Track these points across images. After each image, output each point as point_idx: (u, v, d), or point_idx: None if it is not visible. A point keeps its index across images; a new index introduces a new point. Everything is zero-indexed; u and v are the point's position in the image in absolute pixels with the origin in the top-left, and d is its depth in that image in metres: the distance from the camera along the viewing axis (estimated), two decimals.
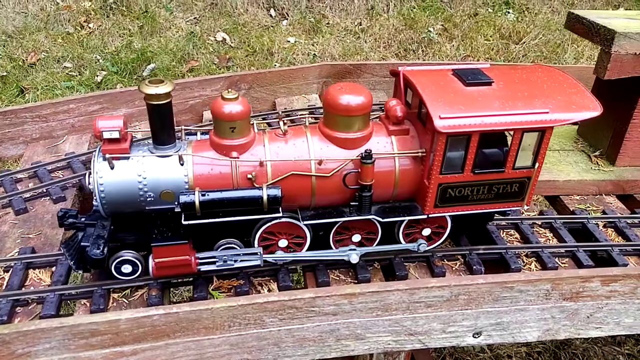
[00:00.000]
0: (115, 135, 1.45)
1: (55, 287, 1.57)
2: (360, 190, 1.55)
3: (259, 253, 1.58)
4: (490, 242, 1.83)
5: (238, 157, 1.52)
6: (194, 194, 1.44)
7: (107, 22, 5.75)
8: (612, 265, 1.79)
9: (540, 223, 1.97)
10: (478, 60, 6.18)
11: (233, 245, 1.60)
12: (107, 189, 1.48)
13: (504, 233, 1.92)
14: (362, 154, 1.51)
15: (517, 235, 1.93)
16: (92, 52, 5.35)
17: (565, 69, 1.84)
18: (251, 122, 1.58)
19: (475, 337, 1.57)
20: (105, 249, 1.47)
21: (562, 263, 1.85)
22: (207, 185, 1.49)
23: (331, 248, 1.68)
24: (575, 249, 1.86)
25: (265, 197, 1.46)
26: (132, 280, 1.60)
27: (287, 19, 6.91)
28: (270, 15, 6.88)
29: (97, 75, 5.07)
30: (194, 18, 6.31)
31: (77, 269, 1.56)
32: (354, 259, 1.66)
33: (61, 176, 2.12)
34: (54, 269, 1.66)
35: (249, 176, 1.51)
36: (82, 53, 5.27)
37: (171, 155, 1.51)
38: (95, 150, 1.53)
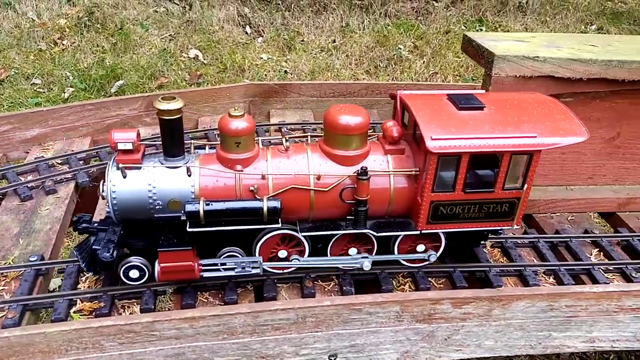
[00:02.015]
0: (129, 146, 1.54)
1: None
2: (356, 205, 1.62)
3: (259, 261, 1.65)
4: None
5: (242, 171, 1.60)
6: (199, 204, 1.52)
7: (81, 39, 5.82)
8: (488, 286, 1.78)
9: None
10: (446, 77, 6.20)
11: (235, 253, 1.67)
12: (119, 197, 1.56)
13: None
14: (358, 170, 1.58)
15: None
16: (63, 68, 5.40)
17: None
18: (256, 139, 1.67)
19: None
20: (115, 253, 1.54)
21: (438, 284, 1.84)
22: (212, 195, 1.57)
23: None
24: (452, 269, 1.85)
25: (265, 209, 1.54)
26: (138, 285, 1.68)
27: (262, 36, 6.96)
28: (246, 32, 6.94)
29: (65, 92, 5.13)
30: (169, 35, 6.38)
31: (88, 270, 1.63)
32: (367, 266, 1.72)
33: None
34: None
35: (251, 188, 1.59)
36: (52, 70, 5.33)
37: (180, 167, 1.59)
38: (109, 160, 1.61)
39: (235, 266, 1.64)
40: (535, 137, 1.54)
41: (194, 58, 6.18)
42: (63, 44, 5.83)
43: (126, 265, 1.63)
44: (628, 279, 1.91)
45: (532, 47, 2.02)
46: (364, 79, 6.24)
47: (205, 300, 1.69)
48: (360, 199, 1.60)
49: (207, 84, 5.82)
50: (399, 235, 1.71)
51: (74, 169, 2.20)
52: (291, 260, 1.70)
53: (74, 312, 1.61)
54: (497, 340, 1.64)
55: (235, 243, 1.66)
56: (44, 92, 5.06)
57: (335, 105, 1.66)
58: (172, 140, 1.58)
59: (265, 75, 6.12)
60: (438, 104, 1.63)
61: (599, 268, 1.92)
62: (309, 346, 1.54)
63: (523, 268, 1.89)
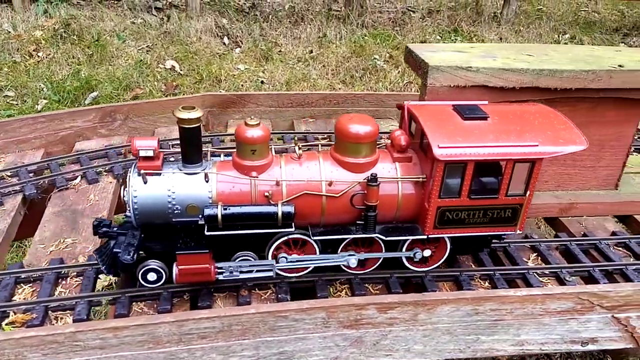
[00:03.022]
0: (150, 153, 1.60)
1: None
2: (366, 210, 1.68)
3: (272, 264, 1.71)
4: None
5: (257, 177, 1.66)
6: (217, 208, 1.58)
7: (57, 51, 5.84)
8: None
9: None
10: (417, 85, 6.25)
11: (248, 258, 1.73)
12: (140, 201, 1.61)
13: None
14: (368, 177, 1.65)
15: None
16: (37, 80, 5.41)
17: None
18: (270, 147, 1.73)
19: None
20: (135, 256, 1.59)
21: (374, 290, 1.86)
22: (228, 200, 1.63)
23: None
24: (389, 275, 1.88)
25: (280, 213, 1.60)
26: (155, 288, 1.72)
27: (240, 47, 7.00)
28: (224, 43, 6.97)
29: (38, 104, 5.13)
30: (147, 46, 6.41)
31: (108, 273, 1.68)
32: (353, 263, 1.77)
33: None
34: None
35: (266, 194, 1.65)
36: (26, 81, 5.33)
37: (198, 173, 1.65)
38: (131, 167, 1.66)
39: (250, 269, 1.71)
40: (537, 145, 1.61)
41: (170, 69, 6.21)
42: (38, 56, 5.84)
43: (145, 268, 1.68)
44: (562, 282, 1.94)
45: (467, 58, 2.06)
46: (340, 88, 6.28)
47: (140, 310, 1.70)
48: (370, 205, 1.67)
49: (183, 94, 5.84)
50: (406, 240, 1.76)
51: (22, 181, 2.21)
52: (279, 260, 1.74)
53: (6, 324, 1.61)
54: (426, 344, 1.66)
55: (249, 247, 1.73)
56: (16, 105, 5.06)
57: (346, 115, 1.73)
58: (191, 148, 1.65)
59: (242, 85, 6.15)
60: (444, 114, 1.71)
61: (534, 272, 1.96)
62: (237, 354, 1.55)
63: (459, 273, 1.92)
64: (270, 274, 1.72)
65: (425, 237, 1.73)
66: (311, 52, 6.99)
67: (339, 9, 7.85)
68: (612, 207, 2.36)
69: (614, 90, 2.07)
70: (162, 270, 1.69)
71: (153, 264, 1.68)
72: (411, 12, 8.17)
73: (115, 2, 7.33)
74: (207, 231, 1.60)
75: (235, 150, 1.70)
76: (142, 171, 1.62)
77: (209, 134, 2.84)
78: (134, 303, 1.72)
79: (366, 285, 1.87)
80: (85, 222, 2.07)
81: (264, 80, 6.30)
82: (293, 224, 1.65)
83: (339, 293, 1.85)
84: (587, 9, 8.94)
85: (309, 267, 1.80)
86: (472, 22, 7.84)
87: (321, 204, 1.68)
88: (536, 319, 1.69)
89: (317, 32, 7.43)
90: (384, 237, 1.72)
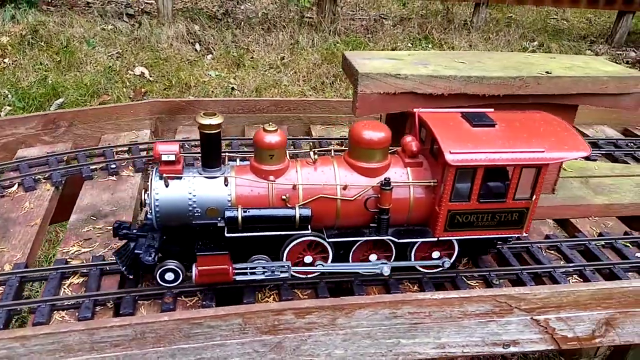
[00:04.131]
0: (172, 158, 1.66)
1: None
2: (379, 213, 1.73)
3: (288, 266, 1.76)
4: None
5: (274, 181, 1.71)
6: (237, 210, 1.63)
7: (23, 57, 5.78)
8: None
9: None
10: None
11: (263, 260, 1.77)
12: (162, 204, 1.67)
13: None
14: (382, 181, 1.71)
15: None
16: (2, 87, 5.35)
17: None
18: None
19: None
20: (156, 257, 1.65)
21: (303, 295, 1.86)
22: (247, 203, 1.68)
23: None
24: (318, 280, 1.88)
25: (297, 216, 1.66)
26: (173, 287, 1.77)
27: (212, 54, 6.99)
28: (195, 50, 6.96)
29: (2, 111, 5.07)
30: (117, 53, 6.38)
31: (129, 274, 1.73)
32: (386, 271, 1.82)
33: None
34: None
35: (283, 197, 1.70)
36: None
37: (217, 177, 1.71)
38: (152, 170, 1.71)
39: (266, 270, 1.75)
40: (543, 151, 1.67)
41: (139, 75, 6.18)
42: (4, 62, 5.78)
43: (163, 268, 1.72)
44: (489, 285, 1.95)
45: (399, 65, 2.08)
46: (310, 95, 6.30)
47: (61, 319, 1.68)
48: (383, 208, 1.72)
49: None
50: (416, 243, 1.82)
51: None
52: (316, 266, 1.80)
53: None
54: (347, 349, 1.67)
55: (263, 250, 1.77)
56: None
57: (360, 122, 1.78)
58: (211, 153, 1.70)
59: (212, 91, 6.14)
60: (453, 121, 1.78)
61: (462, 276, 1.97)
62: None
63: (389, 279, 1.93)
64: (286, 275, 1.77)
65: (435, 239, 1.79)
66: (283, 58, 7.00)
67: (312, 16, 7.89)
68: (548, 211, 2.39)
69: (543, 97, 2.10)
70: (179, 270, 1.74)
71: (171, 264, 1.73)
72: (383, 20, 8.24)
73: (86, 8, 7.29)
74: (227, 233, 1.64)
75: (252, 155, 1.76)
76: (164, 175, 1.66)
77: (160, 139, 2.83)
78: (54, 312, 1.70)
79: (295, 290, 1.87)
80: (16, 230, 2.04)
81: (235, 87, 6.30)
82: (309, 226, 1.70)
83: (266, 299, 1.84)
84: (556, 17, 9.08)
85: (319, 270, 1.85)
86: (442, 30, 7.91)
87: (336, 207, 1.74)
88: (456, 321, 1.70)
89: (290, 39, 7.45)
90: (396, 240, 1.77)
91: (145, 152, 2.62)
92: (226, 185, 1.70)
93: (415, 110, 1.86)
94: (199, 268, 1.68)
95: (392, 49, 7.43)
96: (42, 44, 6.17)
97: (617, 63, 8.21)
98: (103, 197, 2.27)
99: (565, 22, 9.05)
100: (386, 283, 1.92)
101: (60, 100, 5.46)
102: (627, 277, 2.04)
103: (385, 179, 1.70)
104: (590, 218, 2.42)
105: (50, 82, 5.67)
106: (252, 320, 1.55)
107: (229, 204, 1.69)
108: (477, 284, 1.98)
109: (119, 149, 2.60)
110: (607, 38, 8.09)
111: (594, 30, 8.66)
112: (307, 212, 1.67)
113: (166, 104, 2.87)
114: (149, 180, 1.70)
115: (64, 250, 1.97)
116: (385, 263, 1.83)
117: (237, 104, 2.95)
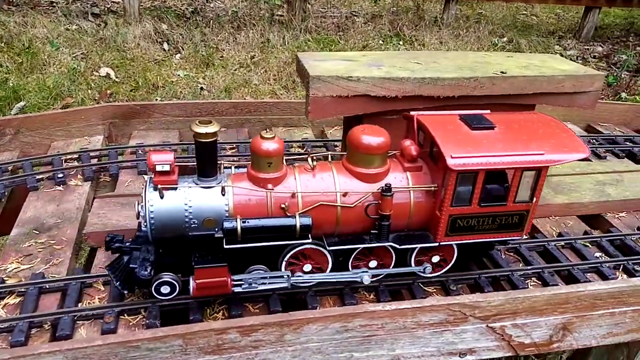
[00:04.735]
0: (167, 168, 1.59)
1: None
2: (380, 219, 1.69)
3: (286, 276, 1.70)
4: None
5: (273, 189, 1.65)
6: (236, 221, 1.56)
7: None
8: None
9: None
10: None
11: (261, 270, 1.71)
12: (157, 216, 1.60)
13: None
14: (382, 187, 1.65)
15: None
16: None
17: None
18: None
19: None
20: (152, 271, 1.59)
21: (254, 308, 1.78)
22: (245, 213, 1.62)
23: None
24: (270, 293, 1.80)
25: (298, 225, 1.60)
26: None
27: (180, 53, 6.84)
28: (164, 49, 6.79)
29: None
30: (81, 53, 6.18)
31: (123, 289, 1.66)
32: (366, 280, 1.78)
33: None
34: None
35: (283, 206, 1.64)
36: None
37: (214, 187, 1.64)
38: (146, 181, 1.64)
39: (265, 280, 1.69)
40: (544, 154, 1.64)
41: (105, 76, 6.00)
42: None
43: (159, 281, 1.65)
44: (447, 291, 1.90)
45: (352, 67, 2.00)
46: (281, 94, 6.20)
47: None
48: (384, 214, 1.67)
49: (119, 102, 5.65)
50: (415, 249, 1.78)
51: None
52: (294, 276, 1.73)
53: None
54: None
55: (261, 260, 1.71)
56: None
57: (359, 126, 1.73)
58: (208, 162, 1.63)
59: (180, 92, 5.99)
60: (453, 125, 1.73)
61: (418, 282, 1.91)
62: None
63: (344, 288, 1.86)
64: (286, 284, 1.71)
65: (437, 244, 1.75)
66: (253, 57, 6.88)
67: (282, 14, 7.77)
68: None
69: (498, 97, 2.05)
70: (175, 283, 1.67)
71: (166, 277, 1.66)
72: (355, 17, 8.16)
73: (49, 8, 7.06)
74: (226, 244, 1.58)
75: (249, 163, 1.70)
76: (159, 186, 1.60)
77: (114, 145, 2.71)
78: None
79: (245, 304, 1.79)
80: None
81: (204, 87, 6.17)
82: (310, 235, 1.64)
83: (215, 315, 1.76)
84: (525, 13, 9.12)
85: (316, 280, 1.79)
86: (413, 27, 7.88)
87: (336, 214, 1.69)
88: (410, 332, 1.64)
89: (260, 37, 7.32)
90: (397, 246, 1.73)
91: (96, 159, 2.51)
92: (223, 194, 1.64)
93: (413, 113, 1.81)
94: (197, 281, 1.62)
95: (364, 47, 7.37)
96: (2, 45, 5.94)
97: (584, 57, 8.23)
98: (48, 208, 2.15)
99: (534, 18, 9.10)
100: (341, 293, 1.85)
101: (22, 103, 5.26)
102: (586, 278, 2.00)
103: (386, 185, 1.66)
104: (550, 217, 2.38)
105: (11, 84, 5.46)
106: (194, 341, 1.47)
107: (227, 214, 1.63)
108: (434, 290, 1.92)
109: (68, 156, 2.47)
110: (575, 33, 8.15)
111: (563, 26, 8.73)
112: (307, 221, 1.62)
113: (119, 108, 2.75)
114: (143, 192, 1.63)
115: (1, 268, 1.85)
116: (366, 271, 1.78)
117: (193, 107, 2.85)
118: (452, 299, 1.64)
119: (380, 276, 1.86)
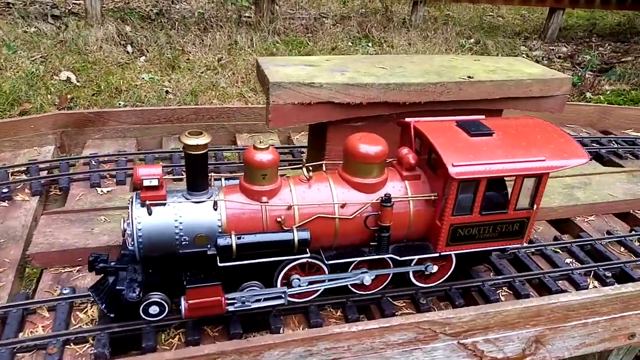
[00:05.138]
0: (155, 182, 1.49)
1: None
2: (379, 231, 1.62)
3: (284, 293, 1.62)
4: None
5: (267, 202, 1.57)
6: (230, 238, 1.48)
7: None
8: None
9: None
10: None
11: (255, 287, 1.63)
12: (145, 233, 1.50)
13: None
14: (382, 197, 1.59)
15: None
16: None
17: None
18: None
19: None
20: (141, 292, 1.49)
21: (213, 332, 1.66)
22: (239, 228, 1.54)
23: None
24: (231, 314, 1.68)
25: (296, 240, 1.53)
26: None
27: (145, 56, 6.62)
28: (127, 52, 6.58)
29: None
30: (41, 57, 5.92)
31: (109, 312, 1.54)
32: (367, 280, 1.71)
33: None
34: None
35: (278, 219, 1.56)
36: None
37: (205, 201, 1.55)
38: (132, 198, 1.53)
39: (260, 298, 1.61)
40: (544, 160, 1.60)
41: (65, 81, 5.75)
42: None
43: (147, 302, 1.55)
44: (416, 305, 1.82)
45: (314, 73, 1.90)
46: (250, 97, 6.05)
47: None
48: (383, 225, 1.61)
49: (81, 107, 5.42)
50: (414, 259, 1.73)
51: None
52: (292, 283, 1.65)
53: None
54: None
55: (255, 276, 1.63)
56: None
57: (356, 134, 1.66)
58: (198, 175, 1.54)
59: (145, 96, 5.79)
60: (451, 131, 1.68)
61: (387, 297, 1.82)
62: None
63: (309, 306, 1.75)
64: (282, 301, 1.63)
65: (437, 254, 1.69)
66: (220, 59, 6.72)
67: (250, 16, 7.62)
68: None
69: (465, 102, 1.98)
70: (164, 303, 1.57)
71: (155, 296, 1.56)
72: (323, 19, 8.07)
73: (6, 9, 6.75)
74: (220, 262, 1.49)
75: (242, 174, 1.62)
76: (147, 202, 1.49)
77: (65, 156, 2.54)
78: None
79: (204, 327, 1.67)
80: None
81: (169, 90, 5.98)
82: (308, 249, 1.58)
83: (171, 340, 1.63)
84: (492, 14, 9.20)
85: (319, 291, 1.72)
86: (382, 28, 7.84)
87: (334, 226, 1.62)
88: (378, 352, 1.54)
89: (227, 39, 7.16)
90: (398, 257, 1.67)
91: (46, 171, 2.34)
92: (215, 209, 1.55)
93: (408, 120, 1.74)
94: (190, 302, 1.51)
95: (333, 49, 7.29)
96: None
97: (549, 58, 8.33)
98: None
99: (500, 19, 9.18)
100: (306, 311, 1.74)
101: None
102: (558, 286, 1.95)
103: (385, 195, 1.59)
104: None
105: None
106: None
107: (220, 230, 1.54)
108: (403, 304, 1.83)
109: (16, 169, 2.30)
110: (540, 34, 8.26)
111: (528, 27, 8.83)
112: (305, 235, 1.54)
113: (71, 116, 2.59)
114: (129, 208, 1.52)
115: None
116: (366, 272, 1.71)
117: (151, 114, 2.70)
118: (421, 317, 1.56)
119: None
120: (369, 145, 1.61)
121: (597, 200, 2.42)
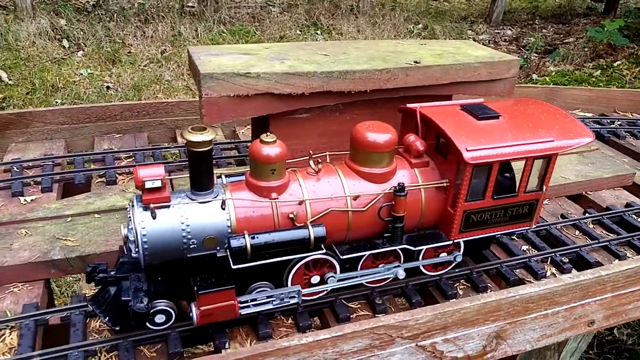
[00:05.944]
0: (158, 184, 1.38)
1: None
2: (393, 221, 1.57)
3: (298, 291, 1.55)
4: None
5: (277, 198, 1.48)
6: (244, 238, 1.41)
7: None
8: None
9: None
10: None
11: (266, 288, 1.55)
12: (150, 239, 1.39)
13: None
14: (395, 187, 1.53)
15: None
16: None
17: None
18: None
19: None
20: (149, 302, 1.40)
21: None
22: (249, 227, 1.45)
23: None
24: (169, 332, 1.51)
25: (312, 236, 1.46)
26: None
27: (82, 50, 6.22)
28: (63, 47, 6.16)
29: None
30: None
31: (114, 325, 1.43)
32: (401, 274, 1.68)
33: None
34: None
35: (291, 215, 1.48)
36: None
37: (211, 201, 1.45)
38: (132, 201, 1.42)
39: (274, 299, 1.53)
40: (553, 140, 1.57)
41: None
42: None
43: (152, 310, 1.45)
44: (372, 305, 1.70)
45: (251, 62, 1.73)
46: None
47: None
48: (397, 216, 1.55)
49: (13, 107, 5.02)
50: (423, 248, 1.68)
51: None
52: (327, 280, 1.59)
53: None
54: None
55: (265, 276, 1.55)
56: None
57: (362, 123, 1.58)
58: (203, 174, 1.43)
59: (84, 92, 5.43)
60: (458, 116, 1.63)
61: (342, 299, 1.70)
62: None
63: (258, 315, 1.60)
64: (296, 300, 1.55)
65: (451, 242, 1.64)
66: (164, 51, 6.40)
67: (193, 5, 7.30)
68: None
69: (413, 89, 1.86)
70: (171, 311, 1.48)
71: (161, 304, 1.46)
72: (270, 7, 7.83)
73: None
74: (234, 264, 1.41)
75: (248, 170, 1.51)
76: (152, 205, 1.38)
77: None
78: None
79: (140, 347, 1.49)
80: None
81: (110, 85, 5.63)
82: (323, 245, 1.51)
83: (152, 354, 1.45)
84: (439, 0, 9.21)
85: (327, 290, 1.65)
86: (330, 16, 7.68)
87: (347, 220, 1.55)
88: None
89: (171, 30, 6.82)
90: (412, 247, 1.61)
91: None
92: (223, 208, 1.45)
93: (412, 106, 1.66)
94: (202, 308, 1.41)
95: (281, 37, 7.08)
96: None
97: (496, 41, 8.38)
98: None
99: (447, 4, 9.20)
100: (254, 322, 1.59)
101: None
102: (516, 275, 1.88)
103: (398, 184, 1.53)
104: None
105: None
106: None
107: (229, 230, 1.45)
108: (358, 306, 1.71)
109: None
110: (485, 18, 8.31)
111: (474, 11, 8.88)
112: (322, 231, 1.47)
113: None
114: (130, 212, 1.41)
115: None
116: (399, 266, 1.68)
117: (81, 112, 2.46)
118: (376, 322, 1.43)
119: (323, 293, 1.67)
120: (379, 133, 1.54)
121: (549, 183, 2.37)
